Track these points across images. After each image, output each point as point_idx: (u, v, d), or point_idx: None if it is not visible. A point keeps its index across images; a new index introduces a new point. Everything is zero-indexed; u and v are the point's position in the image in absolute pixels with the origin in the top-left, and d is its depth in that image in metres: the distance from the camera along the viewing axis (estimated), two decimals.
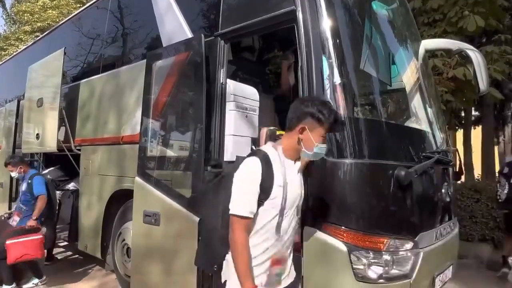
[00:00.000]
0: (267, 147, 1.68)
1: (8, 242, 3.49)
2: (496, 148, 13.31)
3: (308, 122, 1.59)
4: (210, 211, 1.77)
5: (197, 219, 2.61)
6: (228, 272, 1.64)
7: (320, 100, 1.70)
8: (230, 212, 1.54)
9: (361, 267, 2.05)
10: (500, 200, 4.50)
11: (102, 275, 4.25)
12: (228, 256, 1.63)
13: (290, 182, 1.61)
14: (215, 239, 1.72)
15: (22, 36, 15.59)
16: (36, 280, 3.88)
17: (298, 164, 1.70)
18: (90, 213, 4.08)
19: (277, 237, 1.62)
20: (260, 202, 1.56)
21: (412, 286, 2.19)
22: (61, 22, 5.91)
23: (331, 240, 2.09)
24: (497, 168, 11.71)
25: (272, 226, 1.60)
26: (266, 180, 1.55)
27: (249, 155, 1.64)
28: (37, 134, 4.54)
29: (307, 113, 1.59)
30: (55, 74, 4.36)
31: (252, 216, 1.55)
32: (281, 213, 1.60)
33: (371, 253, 2.08)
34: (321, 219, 2.15)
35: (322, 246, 2.13)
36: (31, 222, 3.77)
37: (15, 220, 3.97)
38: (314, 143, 1.59)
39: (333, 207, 2.14)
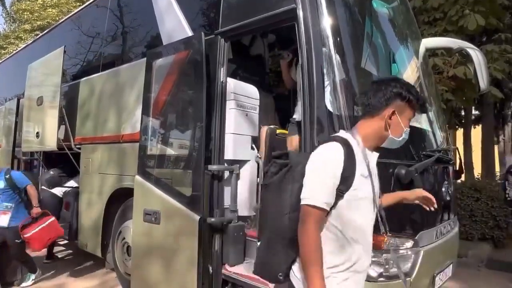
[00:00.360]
0: (344, 134, 1.45)
1: (26, 235, 3.61)
2: (496, 147, 13.32)
3: (398, 104, 1.40)
4: (272, 209, 1.48)
5: (198, 217, 2.61)
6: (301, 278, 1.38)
7: (403, 80, 1.51)
8: (303, 202, 1.32)
9: None
10: (508, 198, 4.54)
11: (102, 274, 4.26)
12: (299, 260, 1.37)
13: (373, 174, 1.42)
14: (280, 242, 1.43)
15: (22, 35, 15.58)
16: (33, 276, 3.91)
17: (376, 154, 1.49)
18: (90, 211, 4.08)
19: (357, 239, 1.38)
20: (340, 193, 1.32)
21: (413, 284, 2.20)
22: (61, 21, 5.90)
23: None
24: (497, 167, 11.74)
25: (353, 224, 1.37)
26: (347, 169, 1.32)
27: (325, 141, 1.42)
28: (37, 133, 4.54)
29: (396, 94, 1.39)
30: (55, 72, 4.35)
31: (328, 208, 1.31)
32: (363, 208, 1.39)
33: (371, 251, 2.07)
34: None
35: None
36: (36, 210, 3.80)
37: (2, 219, 3.75)
38: (403, 128, 1.42)
39: None
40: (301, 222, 1.32)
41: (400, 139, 1.44)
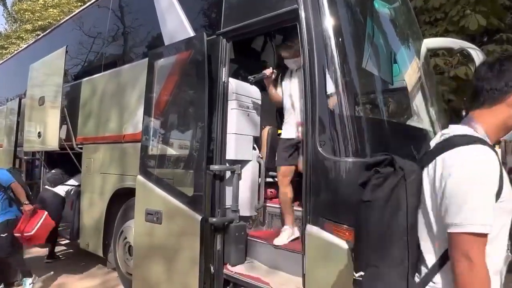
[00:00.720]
0: (465, 129, 1.17)
1: (28, 233, 3.64)
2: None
3: None
4: (381, 231, 1.16)
5: (199, 217, 2.62)
6: None
7: None
8: (460, 230, 1.00)
9: None
10: None
11: (103, 273, 4.27)
12: None
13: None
14: (395, 270, 1.14)
15: (23, 35, 15.63)
16: (29, 280, 3.74)
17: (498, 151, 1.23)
18: (92, 211, 4.09)
19: (502, 268, 1.13)
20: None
21: None
22: (62, 21, 5.91)
23: (333, 238, 2.10)
24: None
25: (502, 243, 1.11)
26: (500, 177, 1.05)
27: (467, 142, 1.07)
28: (39, 133, 4.55)
29: None
30: (57, 72, 4.36)
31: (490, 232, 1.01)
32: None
33: None
34: (323, 218, 2.15)
35: (324, 244, 2.13)
36: (27, 207, 3.75)
37: None
38: None
39: (335, 205, 2.14)
40: (464, 257, 0.99)
41: None
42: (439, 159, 1.12)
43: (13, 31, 17.46)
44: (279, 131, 3.22)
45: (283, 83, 2.96)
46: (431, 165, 1.15)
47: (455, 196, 1.03)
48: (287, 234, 2.71)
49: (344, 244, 2.06)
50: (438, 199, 1.09)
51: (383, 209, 1.17)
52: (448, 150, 1.10)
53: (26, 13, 15.45)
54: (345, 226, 2.09)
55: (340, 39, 2.32)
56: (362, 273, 1.20)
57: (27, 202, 3.79)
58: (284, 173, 2.81)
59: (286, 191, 2.78)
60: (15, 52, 8.99)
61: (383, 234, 1.17)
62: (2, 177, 3.81)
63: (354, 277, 1.22)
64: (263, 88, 3.14)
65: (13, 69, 7.08)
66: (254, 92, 3.07)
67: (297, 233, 2.74)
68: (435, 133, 2.91)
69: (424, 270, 1.16)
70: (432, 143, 1.26)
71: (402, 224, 1.14)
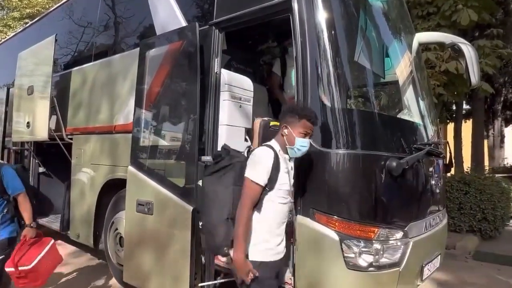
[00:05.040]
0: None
1: (24, 267, 2.58)
2: (485, 141, 13.53)
3: None
4: None
5: (191, 208, 2.62)
6: None
7: None
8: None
9: (352, 255, 2.10)
10: None
11: (94, 264, 4.26)
12: None
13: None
14: None
15: (10, 23, 15.22)
16: None
17: None
18: (82, 202, 4.07)
19: None
20: None
21: (401, 274, 2.25)
22: (51, 9, 5.78)
23: (323, 229, 2.13)
24: (486, 161, 11.92)
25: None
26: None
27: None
28: (28, 123, 4.48)
29: None
30: (46, 61, 4.28)
31: None
32: None
33: (362, 242, 2.12)
34: (314, 209, 2.18)
35: (314, 235, 2.16)
36: (29, 232, 2.68)
37: None
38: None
39: (326, 196, 2.17)
40: None
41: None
42: None
43: (0, 19, 17.01)
44: (272, 123, 3.22)
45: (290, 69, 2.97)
46: None
47: None
48: None
49: (334, 235, 2.10)
50: None
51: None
52: None
53: (14, 0, 15.05)
54: (335, 216, 2.13)
55: (332, 32, 2.32)
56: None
57: (33, 224, 2.73)
58: None
59: None
60: (3, 40, 8.78)
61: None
62: (13, 182, 2.68)
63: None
64: (255, 80, 3.14)
65: (1, 58, 6.93)
66: (246, 83, 3.06)
67: None
68: (425, 126, 2.95)
69: None
70: None
71: None
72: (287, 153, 1.96)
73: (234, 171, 1.98)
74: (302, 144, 1.91)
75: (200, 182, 1.97)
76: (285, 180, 1.91)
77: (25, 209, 2.71)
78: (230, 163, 2.00)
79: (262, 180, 1.83)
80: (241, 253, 1.79)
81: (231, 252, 1.86)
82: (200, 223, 2.00)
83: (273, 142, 1.98)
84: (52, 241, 2.89)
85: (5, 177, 2.65)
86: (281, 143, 1.95)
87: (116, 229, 3.61)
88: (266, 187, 1.86)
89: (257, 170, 1.85)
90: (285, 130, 1.92)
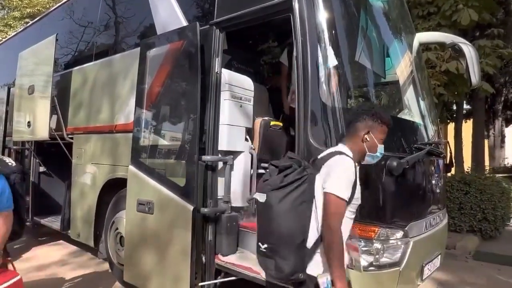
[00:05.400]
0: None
1: None
2: (486, 141, 13.52)
3: None
4: None
5: (191, 207, 2.63)
6: None
7: None
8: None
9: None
10: None
11: (95, 264, 4.26)
12: None
13: None
14: None
15: (11, 22, 15.23)
16: None
17: None
18: (83, 201, 4.07)
19: None
20: None
21: (402, 274, 2.25)
22: (52, 8, 5.79)
23: None
24: (487, 161, 11.92)
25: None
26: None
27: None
28: (28, 122, 4.48)
29: None
30: (47, 61, 4.28)
31: None
32: None
33: (362, 241, 2.12)
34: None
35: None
36: None
37: None
38: None
39: None
40: None
41: None
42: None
43: (0, 18, 17.00)
44: (272, 123, 3.23)
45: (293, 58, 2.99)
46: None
47: None
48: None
49: None
50: None
51: None
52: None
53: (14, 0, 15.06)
54: None
55: (333, 32, 2.32)
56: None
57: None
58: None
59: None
60: (3, 40, 8.79)
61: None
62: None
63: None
64: (256, 80, 3.14)
65: (1, 57, 6.93)
66: (247, 83, 3.06)
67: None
68: (425, 126, 2.95)
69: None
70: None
71: None
72: (358, 160, 1.77)
73: (306, 186, 1.65)
74: (381, 151, 1.78)
75: (258, 196, 1.71)
76: (359, 193, 1.73)
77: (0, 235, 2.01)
78: (301, 176, 1.66)
79: (347, 195, 1.60)
80: (345, 281, 1.56)
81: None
82: (263, 246, 1.66)
83: (345, 149, 1.75)
84: (19, 277, 2.16)
85: None
86: (359, 150, 1.76)
87: (117, 228, 3.61)
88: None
89: (342, 183, 1.60)
90: (367, 136, 1.74)
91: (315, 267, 1.65)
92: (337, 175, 1.62)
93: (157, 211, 2.89)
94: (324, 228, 1.59)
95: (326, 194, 1.61)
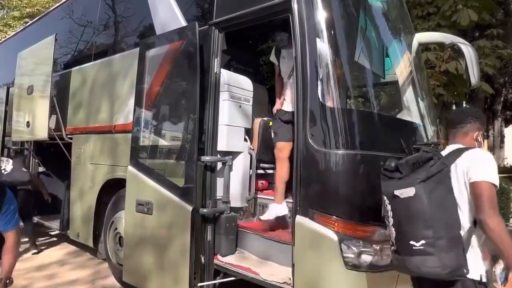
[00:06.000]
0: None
1: None
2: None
3: None
4: None
5: (190, 208, 2.63)
6: None
7: None
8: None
9: (351, 256, 2.09)
10: None
11: (94, 264, 4.26)
12: None
13: None
14: None
15: (10, 22, 15.23)
16: None
17: None
18: (82, 202, 4.07)
19: None
20: None
21: (400, 274, 2.24)
22: (52, 8, 5.78)
23: (322, 229, 2.13)
24: None
25: None
26: None
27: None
28: (28, 122, 4.48)
29: None
30: (46, 61, 4.28)
31: None
32: None
33: (361, 242, 2.12)
34: (313, 209, 2.18)
35: (313, 235, 2.16)
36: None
37: None
38: None
39: (325, 196, 2.17)
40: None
41: None
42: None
43: (0, 18, 16.99)
44: (271, 123, 3.22)
45: (280, 58, 2.97)
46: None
47: None
48: (275, 210, 2.74)
49: (333, 235, 2.10)
50: None
51: None
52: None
53: None
54: (334, 217, 2.12)
55: (332, 32, 2.32)
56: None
57: (8, 281, 1.88)
58: (281, 149, 2.82)
59: (281, 166, 2.78)
60: (3, 39, 8.78)
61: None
62: (8, 219, 1.91)
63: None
64: (255, 80, 3.14)
65: (1, 57, 6.92)
66: (246, 83, 3.06)
67: (285, 211, 2.76)
68: (424, 127, 2.95)
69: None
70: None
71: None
72: None
73: (447, 176, 1.68)
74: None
75: (400, 192, 1.68)
76: None
77: (7, 262, 1.89)
78: (445, 166, 1.69)
79: (498, 182, 1.64)
80: None
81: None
82: (419, 243, 1.59)
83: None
84: None
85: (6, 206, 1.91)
86: None
87: (116, 228, 3.61)
88: None
89: (493, 172, 1.64)
90: (479, 137, 1.87)
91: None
92: (486, 165, 1.65)
93: (156, 212, 2.89)
94: (485, 216, 1.55)
95: (479, 184, 1.61)
